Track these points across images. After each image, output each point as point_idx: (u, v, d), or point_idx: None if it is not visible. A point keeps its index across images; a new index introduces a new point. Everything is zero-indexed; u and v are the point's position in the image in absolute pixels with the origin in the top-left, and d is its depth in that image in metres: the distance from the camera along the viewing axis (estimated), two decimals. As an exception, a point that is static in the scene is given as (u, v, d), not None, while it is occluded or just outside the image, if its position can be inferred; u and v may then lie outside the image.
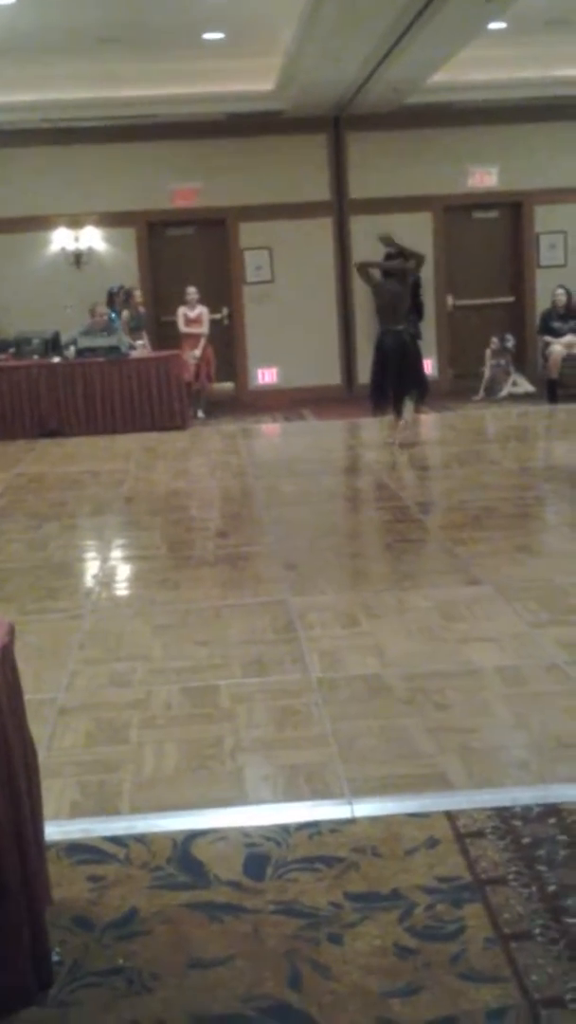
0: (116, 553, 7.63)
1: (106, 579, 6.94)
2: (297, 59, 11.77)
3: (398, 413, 10.79)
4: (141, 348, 13.64)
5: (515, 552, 6.90)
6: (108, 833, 3.55)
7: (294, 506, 8.72)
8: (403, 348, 10.53)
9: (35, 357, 13.16)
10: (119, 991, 2.77)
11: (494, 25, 11.19)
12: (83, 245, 14.95)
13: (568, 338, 13.96)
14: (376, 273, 10.97)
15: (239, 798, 3.79)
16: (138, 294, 14.32)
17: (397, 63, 11.66)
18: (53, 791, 3.76)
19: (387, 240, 11.03)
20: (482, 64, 12.87)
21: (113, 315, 13.84)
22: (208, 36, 11.85)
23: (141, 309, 14.28)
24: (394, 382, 10.56)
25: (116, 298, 14.23)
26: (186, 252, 15.30)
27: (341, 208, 15.18)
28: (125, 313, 14.02)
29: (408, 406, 10.86)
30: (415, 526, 7.79)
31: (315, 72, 12.05)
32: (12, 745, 2.79)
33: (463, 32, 10.84)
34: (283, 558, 7.01)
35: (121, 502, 9.10)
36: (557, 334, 14.13)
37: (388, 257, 11.47)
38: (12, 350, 13.36)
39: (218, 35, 11.83)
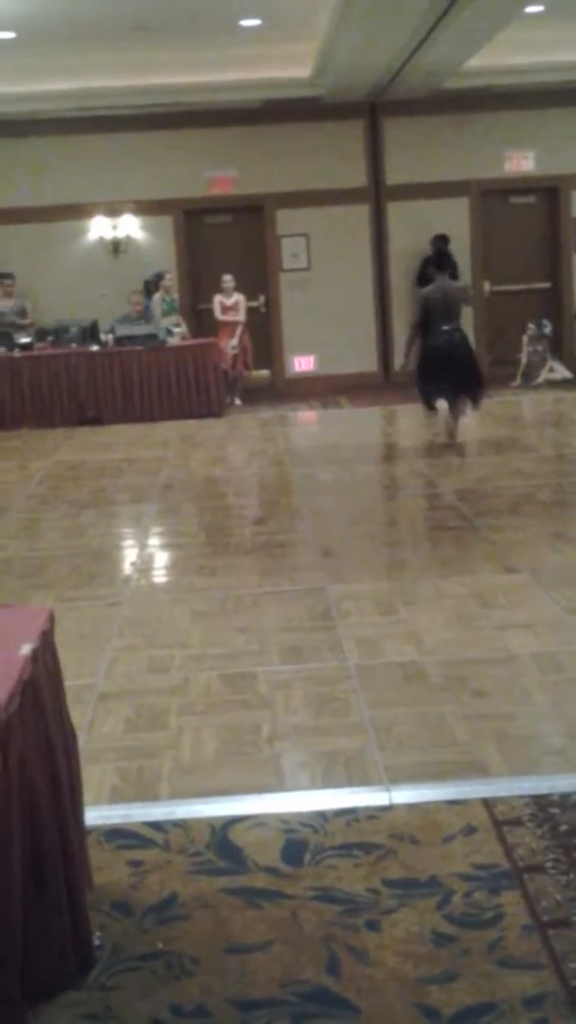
0: (154, 540, 7.67)
1: (144, 566, 6.98)
2: (333, 45, 11.73)
3: (456, 410, 10.12)
4: (179, 334, 13.64)
5: (552, 539, 6.88)
6: (147, 818, 3.58)
7: (331, 493, 8.72)
8: (464, 345, 10.15)
9: (73, 345, 13.22)
10: (159, 975, 2.80)
11: (531, 8, 11.10)
12: (120, 233, 14.99)
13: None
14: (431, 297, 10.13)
15: (277, 784, 3.81)
16: (169, 277, 14.31)
17: (433, 48, 11.59)
18: (93, 777, 3.80)
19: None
20: (519, 48, 12.77)
21: (146, 302, 13.88)
22: (245, 22, 11.82)
23: (174, 295, 14.27)
24: (456, 380, 9.92)
25: (150, 286, 14.27)
26: (223, 240, 15.30)
27: (378, 194, 15.12)
28: (156, 296, 14.05)
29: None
30: (452, 513, 7.77)
31: (351, 58, 12.00)
32: (53, 731, 2.82)
33: (500, 15, 10.76)
34: (320, 545, 7.02)
35: (159, 489, 9.14)
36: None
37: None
38: (51, 338, 13.42)
39: (255, 21, 11.80)
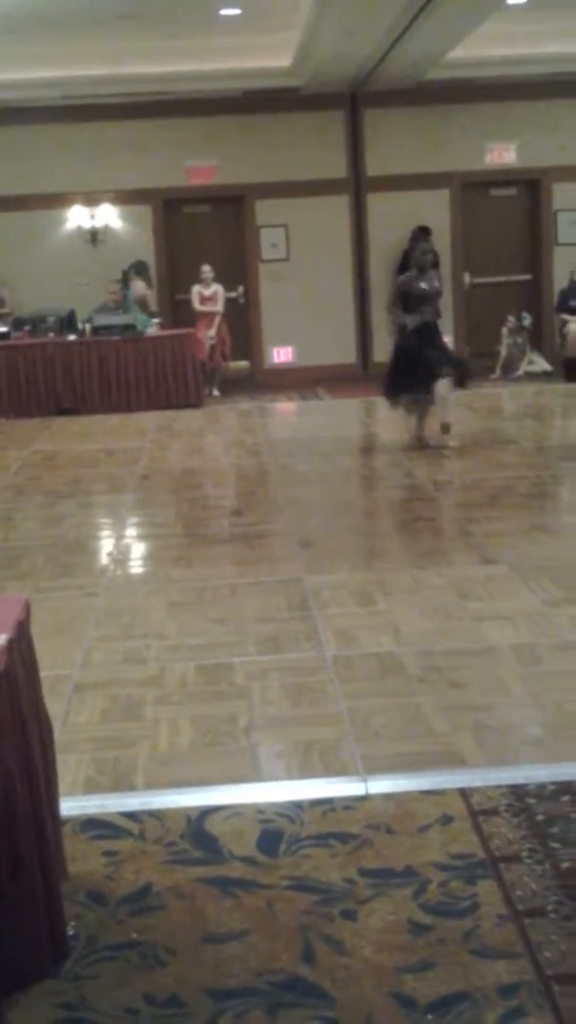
0: (131, 531, 7.64)
1: (121, 556, 6.96)
2: (314, 35, 11.69)
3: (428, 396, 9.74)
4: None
5: (531, 531, 6.89)
6: (123, 809, 3.57)
7: (309, 485, 8.71)
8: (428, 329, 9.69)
9: (51, 335, 13.15)
10: (134, 965, 2.79)
11: (514, 0, 11.09)
12: (99, 223, 14.92)
13: (585, 316, 13.90)
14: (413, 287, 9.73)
15: (253, 775, 3.81)
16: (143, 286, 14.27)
17: (415, 39, 11.57)
18: (68, 767, 3.78)
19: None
20: (501, 39, 12.76)
21: (125, 292, 13.82)
22: (225, 12, 11.78)
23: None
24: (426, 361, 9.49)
25: (128, 275, 14.22)
26: (202, 230, 15.25)
27: (358, 185, 15.10)
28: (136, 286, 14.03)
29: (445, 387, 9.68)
30: (430, 505, 7.78)
31: (332, 48, 11.97)
32: (28, 721, 2.80)
33: (482, 7, 10.76)
34: (298, 536, 7.01)
35: (136, 480, 9.11)
36: (575, 312, 14.06)
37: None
38: (28, 328, 13.34)
39: (234, 11, 11.76)
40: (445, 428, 9.65)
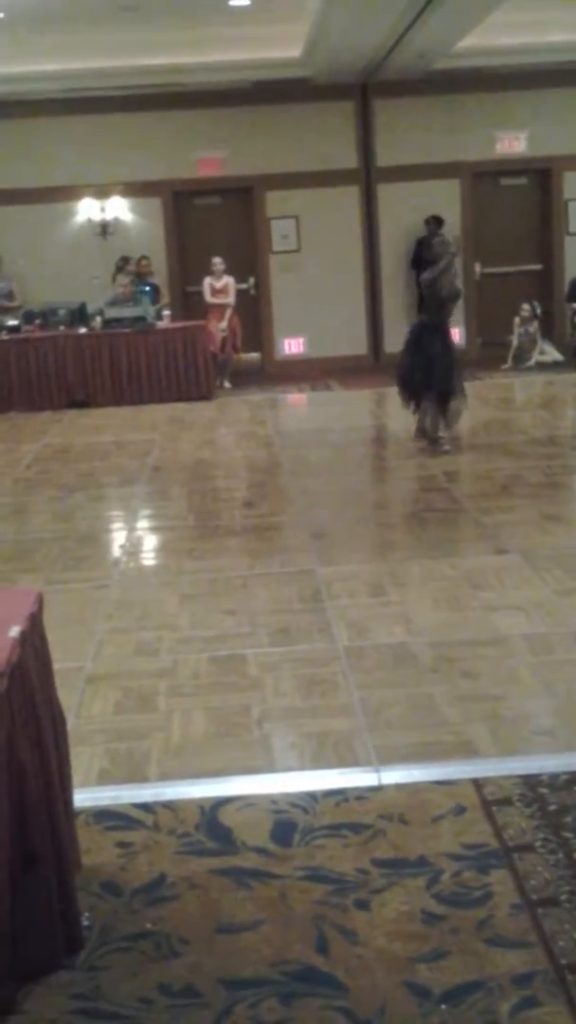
0: (143, 523, 7.65)
1: (133, 549, 6.97)
2: (324, 25, 11.65)
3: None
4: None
5: (542, 521, 6.88)
6: (136, 800, 3.59)
7: (320, 476, 8.71)
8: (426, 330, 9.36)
9: (62, 328, 13.14)
10: (148, 955, 2.80)
11: (523, -12, 11.05)
12: (109, 215, 14.91)
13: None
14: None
15: (266, 766, 3.81)
16: (132, 262, 14.23)
17: (424, 28, 11.52)
18: (82, 758, 3.79)
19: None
20: (511, 28, 12.70)
21: (139, 285, 13.82)
22: (234, 3, 11.75)
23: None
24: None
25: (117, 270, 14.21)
26: (212, 221, 15.23)
27: (368, 176, 15.06)
28: (120, 279, 14.01)
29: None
30: (442, 495, 7.77)
31: (342, 38, 11.93)
32: (41, 713, 2.81)
33: (491, -5, 10.71)
34: (310, 528, 7.01)
35: (148, 472, 9.11)
36: (586, 302, 14.05)
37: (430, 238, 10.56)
38: (39, 321, 13.34)
39: (244, 2, 11.73)
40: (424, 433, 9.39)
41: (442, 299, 9.17)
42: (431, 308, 9.33)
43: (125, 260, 14.26)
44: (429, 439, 9.25)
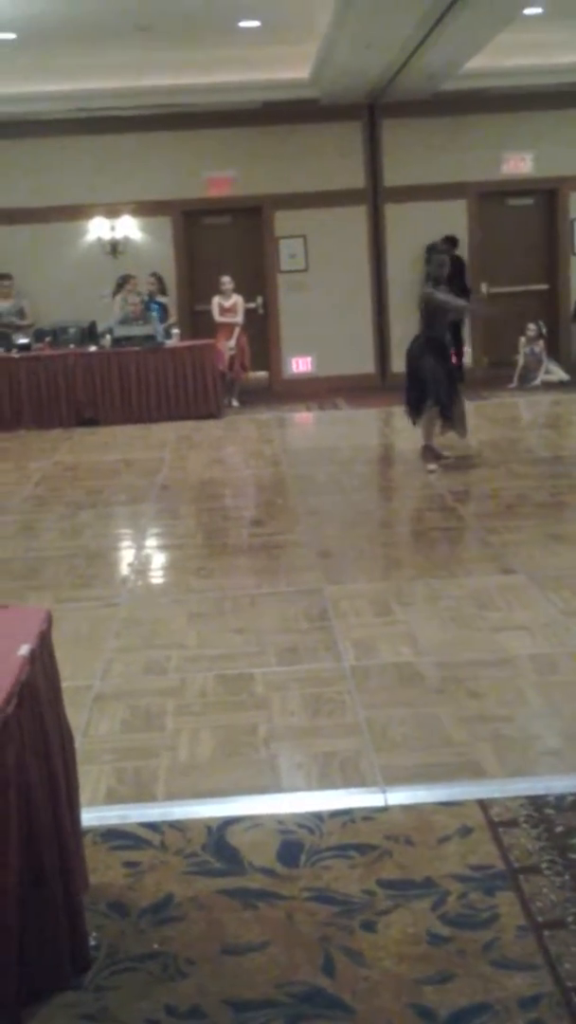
0: (151, 541, 7.67)
1: (141, 567, 6.99)
2: (332, 47, 11.73)
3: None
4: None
5: (548, 541, 6.88)
6: (144, 819, 3.59)
7: (328, 495, 8.73)
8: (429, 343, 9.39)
9: (71, 346, 13.20)
10: (154, 976, 2.80)
11: (530, 10, 11.10)
12: (119, 234, 14.97)
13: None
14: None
15: (273, 785, 3.82)
16: (134, 281, 14.26)
17: (432, 50, 11.58)
18: (90, 777, 3.81)
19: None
20: (517, 50, 12.77)
21: (149, 303, 13.88)
22: (244, 24, 11.82)
23: (134, 298, 14.07)
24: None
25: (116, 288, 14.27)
26: (221, 241, 15.29)
27: (376, 196, 15.12)
28: (117, 297, 14.05)
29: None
30: (448, 515, 7.78)
31: (350, 60, 12.00)
32: (50, 731, 2.83)
33: (498, 18, 10.76)
34: (317, 547, 7.02)
35: (156, 490, 9.14)
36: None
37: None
38: (49, 339, 13.40)
39: (254, 23, 11.80)
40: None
41: (447, 315, 9.34)
42: (432, 324, 9.30)
43: (125, 279, 14.32)
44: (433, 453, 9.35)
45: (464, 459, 9.51)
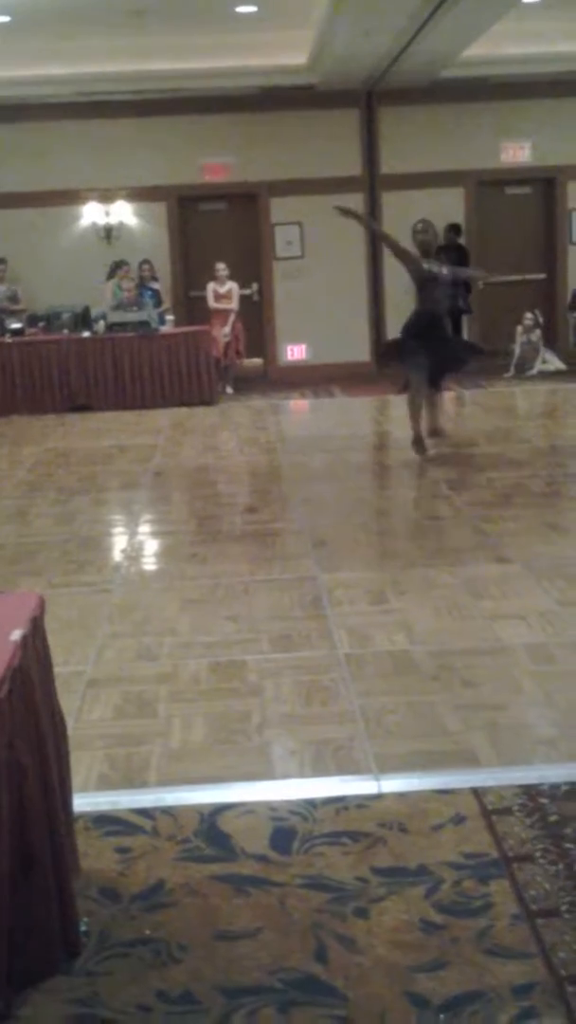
0: (144, 527, 7.65)
1: (134, 553, 6.96)
2: (330, 33, 11.68)
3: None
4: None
5: (544, 530, 6.87)
6: (136, 805, 3.57)
7: (322, 482, 8.71)
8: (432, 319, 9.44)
9: (65, 332, 13.17)
10: (146, 961, 2.79)
11: (528, -2, 11.07)
12: (114, 219, 14.93)
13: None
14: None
15: (266, 772, 3.80)
16: (126, 268, 14.20)
17: (430, 37, 11.54)
18: (82, 763, 3.79)
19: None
20: (516, 38, 12.73)
21: (141, 290, 13.84)
22: (241, 9, 11.77)
23: (127, 284, 14.03)
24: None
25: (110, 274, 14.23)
26: (216, 227, 15.25)
27: (373, 183, 15.08)
28: (110, 283, 14.02)
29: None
30: (444, 503, 7.76)
31: (348, 46, 11.95)
32: (42, 717, 2.81)
33: (497, 5, 10.73)
34: (311, 534, 7.00)
35: (150, 477, 9.11)
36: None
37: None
38: (42, 324, 13.37)
39: (250, 8, 11.76)
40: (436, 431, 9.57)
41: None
42: (436, 296, 9.28)
43: (118, 265, 14.27)
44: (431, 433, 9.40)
45: (460, 448, 9.50)
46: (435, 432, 9.54)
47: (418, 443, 9.27)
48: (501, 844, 3.22)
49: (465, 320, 14.78)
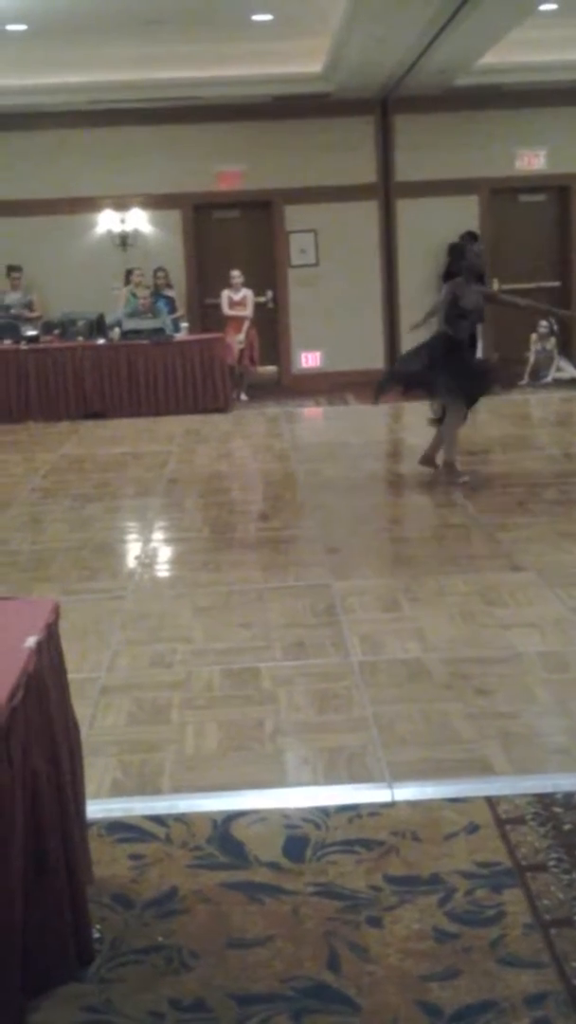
0: (158, 535, 7.66)
1: (148, 560, 6.97)
2: (345, 41, 11.69)
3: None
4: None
5: (558, 538, 6.86)
6: (149, 812, 3.58)
7: (336, 490, 8.70)
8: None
9: (80, 339, 13.20)
10: (158, 969, 2.79)
11: (544, 6, 11.05)
12: (129, 227, 14.96)
13: (615, 323, 13.84)
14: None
15: (279, 780, 3.80)
16: (138, 273, 14.23)
17: (445, 45, 11.54)
18: (95, 770, 3.79)
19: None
20: (531, 46, 12.72)
21: (155, 297, 13.87)
22: (256, 18, 11.79)
23: (143, 292, 14.04)
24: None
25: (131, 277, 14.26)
26: (231, 235, 15.27)
27: (387, 191, 15.08)
28: (124, 290, 14.06)
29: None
30: (457, 511, 7.75)
31: (363, 54, 11.96)
32: (56, 723, 2.81)
33: (512, 13, 10.71)
34: (325, 542, 7.00)
35: (164, 484, 9.12)
36: (604, 319, 14.01)
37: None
38: (57, 331, 13.40)
39: (266, 16, 11.77)
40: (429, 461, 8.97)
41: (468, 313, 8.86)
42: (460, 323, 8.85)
43: (130, 272, 14.31)
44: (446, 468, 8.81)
45: (475, 455, 9.48)
46: (428, 461, 8.98)
47: (452, 468, 8.77)
48: (514, 853, 3.22)
49: (480, 329, 14.72)
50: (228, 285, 14.03)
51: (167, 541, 7.53)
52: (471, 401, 8.91)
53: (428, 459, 8.95)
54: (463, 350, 9.00)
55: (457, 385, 8.65)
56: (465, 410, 8.92)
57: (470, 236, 14.57)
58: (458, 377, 8.64)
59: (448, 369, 8.63)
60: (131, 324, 13.17)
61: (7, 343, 13.19)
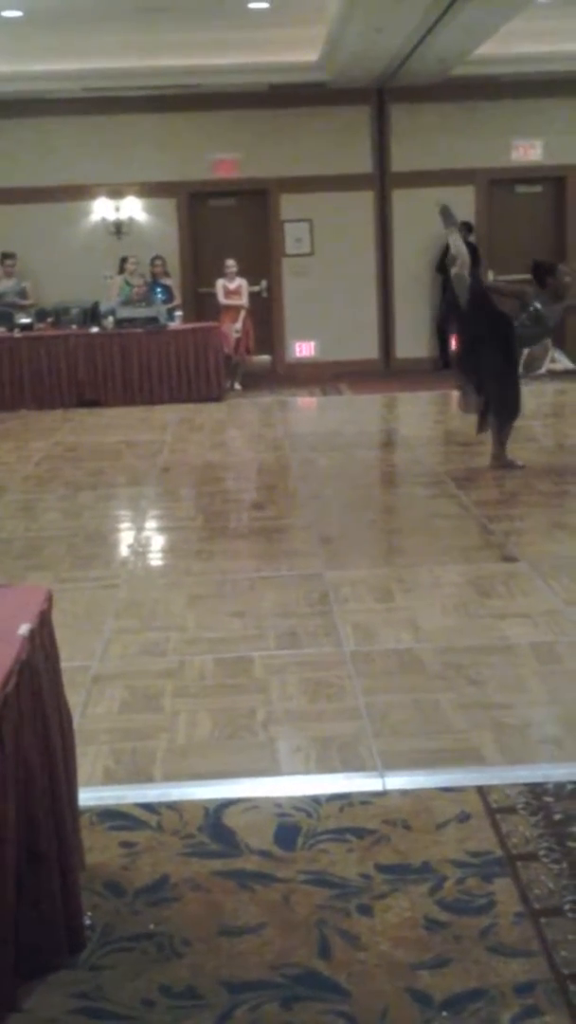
0: (151, 523, 7.66)
1: (141, 549, 6.97)
2: (341, 30, 11.66)
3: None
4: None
5: (551, 529, 6.87)
6: (141, 800, 3.58)
7: (330, 480, 8.71)
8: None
9: (73, 327, 13.18)
10: (150, 956, 2.80)
11: (541, -4, 11.05)
12: (124, 215, 14.94)
13: (610, 315, 13.80)
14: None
15: (271, 768, 3.81)
16: (133, 261, 14.22)
17: (442, 35, 11.52)
18: (87, 757, 3.80)
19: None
20: (529, 36, 12.69)
21: (151, 284, 13.85)
22: (253, 5, 11.77)
23: (136, 280, 14.03)
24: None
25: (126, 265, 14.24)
26: (226, 223, 15.24)
27: (383, 181, 15.07)
28: (118, 278, 14.04)
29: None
30: (451, 502, 7.76)
31: (359, 43, 11.94)
32: (48, 711, 2.81)
33: (510, 3, 10.69)
34: (318, 531, 7.00)
35: (157, 473, 9.12)
36: (599, 311, 13.99)
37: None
38: (51, 319, 13.38)
39: (263, 4, 11.75)
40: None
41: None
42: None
43: (125, 260, 14.28)
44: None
45: (468, 447, 9.49)
46: (501, 462, 8.60)
47: (503, 460, 8.60)
48: (505, 842, 3.23)
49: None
50: (223, 274, 14.01)
51: (160, 530, 7.53)
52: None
53: (499, 458, 8.59)
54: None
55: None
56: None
57: (465, 226, 14.53)
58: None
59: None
60: (125, 312, 13.15)
61: (1, 331, 13.16)
